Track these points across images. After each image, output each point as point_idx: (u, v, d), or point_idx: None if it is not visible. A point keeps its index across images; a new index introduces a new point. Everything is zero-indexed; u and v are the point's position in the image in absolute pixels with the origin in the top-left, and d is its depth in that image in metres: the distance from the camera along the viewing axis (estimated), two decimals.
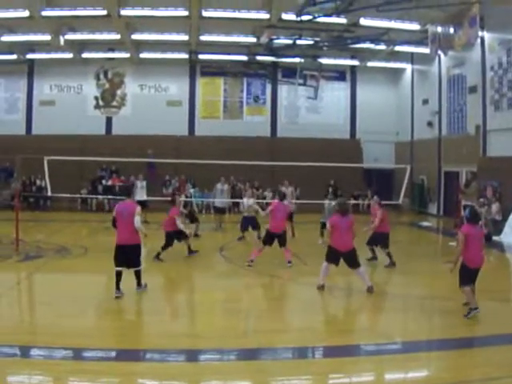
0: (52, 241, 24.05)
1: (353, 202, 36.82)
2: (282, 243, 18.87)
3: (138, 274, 14.78)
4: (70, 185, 35.47)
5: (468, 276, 13.15)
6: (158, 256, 19.43)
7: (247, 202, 23.98)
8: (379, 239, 20.14)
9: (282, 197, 20.08)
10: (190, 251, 20.32)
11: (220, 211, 28.86)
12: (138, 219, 14.39)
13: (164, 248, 19.58)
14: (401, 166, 33.15)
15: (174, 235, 19.72)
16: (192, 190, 29.20)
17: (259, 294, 16.08)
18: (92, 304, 14.18)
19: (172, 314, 14.07)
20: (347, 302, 15.78)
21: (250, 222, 23.57)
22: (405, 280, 18.22)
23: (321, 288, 15.46)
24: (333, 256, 15.40)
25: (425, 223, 34.26)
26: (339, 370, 10.10)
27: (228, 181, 31.88)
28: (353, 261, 15.42)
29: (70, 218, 34.50)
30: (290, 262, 18.83)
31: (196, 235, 24.08)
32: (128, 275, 14.44)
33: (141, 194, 28.82)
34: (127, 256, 14.47)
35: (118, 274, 14.50)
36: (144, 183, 30.04)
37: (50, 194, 26.12)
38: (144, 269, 15.22)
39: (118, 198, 35.85)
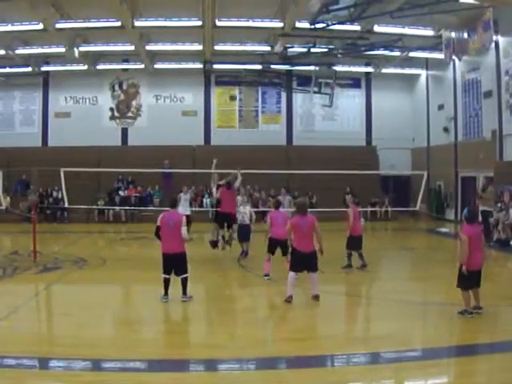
0: (69, 252, 24.13)
1: (370, 209, 36.84)
2: (285, 251, 18.44)
3: (184, 282, 15.05)
4: (87, 196, 35.62)
5: (467, 278, 13.03)
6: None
7: (243, 209, 23.41)
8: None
9: (277, 205, 19.72)
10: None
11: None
12: (184, 229, 14.99)
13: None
14: (417, 172, 33.05)
15: None
16: (208, 200, 29.01)
17: (277, 303, 15.98)
18: (111, 315, 14.23)
19: (190, 323, 14.04)
20: (366, 309, 15.72)
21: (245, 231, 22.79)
22: (423, 286, 18.10)
23: (288, 299, 15.08)
24: (298, 261, 15.13)
25: (443, 229, 34.12)
26: (359, 379, 10.03)
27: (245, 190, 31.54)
28: (313, 264, 15.24)
29: (87, 229, 34.62)
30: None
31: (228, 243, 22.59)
32: (145, 284, 14.40)
33: (185, 207, 27.36)
34: (174, 264, 14.93)
35: (166, 281, 15.02)
36: (188, 196, 28.77)
37: (66, 205, 26.21)
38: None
39: (135, 208, 36.37)
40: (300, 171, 31.41)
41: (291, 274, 15.25)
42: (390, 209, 38.27)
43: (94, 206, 36.68)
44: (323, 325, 13.54)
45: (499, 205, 27.97)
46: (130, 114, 45.11)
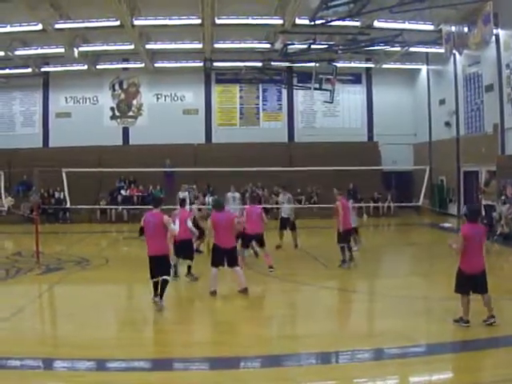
0: (72, 252, 24.13)
1: (373, 204, 36.80)
2: (260, 244, 19.32)
3: (163, 285, 14.27)
4: (89, 196, 35.56)
5: (462, 282, 12.25)
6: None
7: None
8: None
9: (252, 200, 20.99)
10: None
11: None
12: (172, 227, 14.46)
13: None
14: (420, 167, 32.96)
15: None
16: (211, 199, 28.76)
17: (281, 300, 15.98)
18: (114, 315, 14.25)
19: (194, 322, 14.01)
20: (369, 305, 15.66)
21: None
22: (427, 282, 18.08)
23: (213, 294, 15.51)
24: (218, 256, 15.55)
25: (446, 224, 34.01)
26: (363, 375, 10.00)
27: (239, 188, 31.31)
28: (234, 258, 15.71)
29: (90, 229, 34.62)
30: (271, 268, 18.95)
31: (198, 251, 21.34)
32: (147, 284, 14.32)
33: (233, 210, 26.72)
34: (157, 266, 14.27)
35: (155, 285, 14.42)
36: (236, 194, 28.19)
37: (69, 205, 26.15)
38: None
39: (137, 207, 36.24)
40: (302, 168, 31.36)
41: (213, 269, 15.57)
42: (392, 204, 38.23)
43: (97, 206, 36.70)
44: (328, 321, 13.51)
45: (503, 198, 27.91)
46: (130, 114, 45.13)
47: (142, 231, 14.76)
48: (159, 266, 14.26)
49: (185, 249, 17.89)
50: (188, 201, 24.11)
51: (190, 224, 17.65)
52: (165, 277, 14.29)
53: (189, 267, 18.20)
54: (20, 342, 11.50)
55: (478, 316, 12.33)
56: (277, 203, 27.94)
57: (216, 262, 15.56)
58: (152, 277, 14.38)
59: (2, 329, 12.56)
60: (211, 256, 15.85)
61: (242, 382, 9.73)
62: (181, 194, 24.87)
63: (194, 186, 32.38)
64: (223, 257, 15.49)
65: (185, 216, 18.00)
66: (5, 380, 9.60)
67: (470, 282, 12.19)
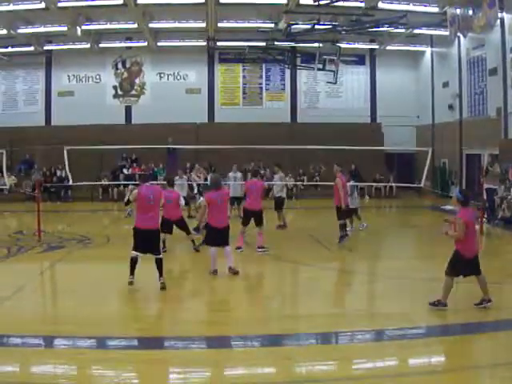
0: (74, 231, 24.20)
1: (375, 184, 36.84)
2: (258, 222, 18.95)
3: (160, 263, 14.16)
4: (91, 175, 35.51)
5: (461, 266, 12.11)
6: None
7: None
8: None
9: (254, 174, 20.26)
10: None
11: (235, 200, 27.28)
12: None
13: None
14: (422, 149, 32.88)
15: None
16: (209, 176, 28.66)
17: (281, 280, 16.02)
18: (115, 293, 14.22)
19: (194, 301, 14.02)
20: (370, 287, 15.66)
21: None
22: (428, 264, 18.04)
23: (214, 273, 15.56)
24: (212, 236, 15.57)
25: (447, 206, 33.97)
26: (364, 355, 10.01)
27: (240, 168, 31.23)
28: (227, 238, 15.65)
29: (92, 207, 34.67)
30: (261, 248, 18.94)
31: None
32: (148, 262, 14.31)
33: (234, 189, 26.33)
34: (147, 241, 14.08)
35: (134, 261, 14.21)
36: (238, 174, 28.05)
37: (71, 183, 26.19)
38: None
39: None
40: (304, 146, 31.32)
41: (211, 249, 15.63)
42: (394, 184, 38.28)
43: (99, 183, 36.69)
44: (328, 302, 13.55)
45: (507, 182, 27.84)
46: (133, 92, 45.02)
47: (128, 203, 15.29)
48: (152, 242, 14.16)
49: (180, 226, 18.87)
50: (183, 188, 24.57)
51: (183, 202, 19.21)
52: (159, 256, 14.19)
53: (193, 241, 19.06)
54: (21, 320, 11.55)
55: (479, 299, 12.34)
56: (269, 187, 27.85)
57: (211, 242, 15.61)
58: (136, 249, 14.17)
59: (4, 307, 12.63)
60: (206, 236, 15.93)
61: (241, 361, 9.77)
62: (178, 180, 24.72)
63: (196, 165, 32.35)
64: (218, 236, 15.45)
65: (176, 196, 18.38)
66: (6, 358, 9.67)
67: (469, 266, 12.14)
